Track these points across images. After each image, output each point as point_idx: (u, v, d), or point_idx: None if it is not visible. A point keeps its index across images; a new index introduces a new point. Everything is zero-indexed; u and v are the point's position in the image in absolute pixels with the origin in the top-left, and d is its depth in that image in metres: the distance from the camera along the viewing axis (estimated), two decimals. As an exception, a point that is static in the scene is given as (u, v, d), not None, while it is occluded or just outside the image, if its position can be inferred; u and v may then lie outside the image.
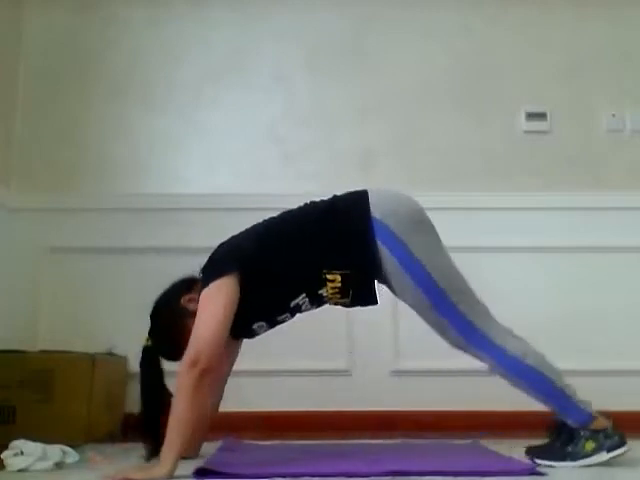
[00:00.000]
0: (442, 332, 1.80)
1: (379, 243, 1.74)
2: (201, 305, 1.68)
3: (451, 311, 1.76)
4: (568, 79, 2.99)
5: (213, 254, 1.81)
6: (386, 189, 1.86)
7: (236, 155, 2.92)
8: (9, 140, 2.85)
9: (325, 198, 1.88)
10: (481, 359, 1.79)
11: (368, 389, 2.65)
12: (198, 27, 3.02)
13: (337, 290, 1.78)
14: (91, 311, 2.73)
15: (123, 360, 2.58)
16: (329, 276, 1.75)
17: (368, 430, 2.52)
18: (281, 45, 3.01)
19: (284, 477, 1.50)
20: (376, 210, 1.76)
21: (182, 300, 1.80)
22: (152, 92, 2.96)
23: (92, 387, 2.26)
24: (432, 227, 1.83)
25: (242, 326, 1.77)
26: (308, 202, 1.90)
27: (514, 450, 1.89)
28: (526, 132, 2.96)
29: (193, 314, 1.72)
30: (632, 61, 3.01)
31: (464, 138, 2.94)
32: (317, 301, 1.83)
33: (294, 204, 2.77)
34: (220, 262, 1.76)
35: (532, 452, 1.78)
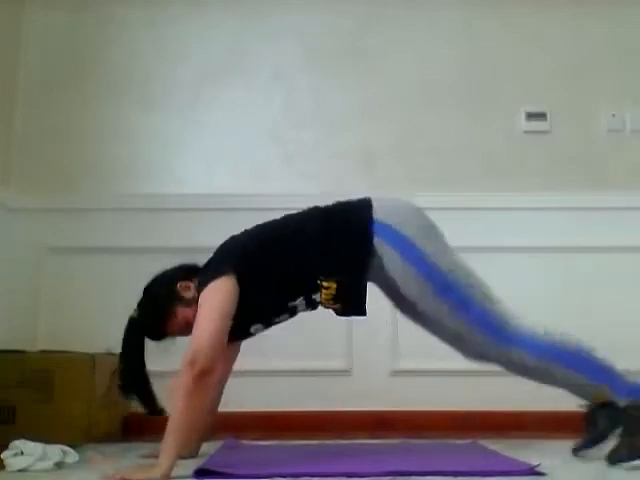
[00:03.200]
0: (460, 337, 1.77)
1: (385, 244, 1.73)
2: (201, 304, 1.67)
3: (474, 310, 1.73)
4: (568, 79, 2.99)
5: (215, 252, 1.81)
6: (389, 197, 1.85)
7: (236, 155, 2.92)
8: (9, 140, 2.85)
9: (328, 204, 1.87)
10: (508, 357, 1.75)
11: (368, 389, 2.65)
12: (197, 27, 3.02)
13: (331, 297, 1.77)
14: (91, 311, 2.73)
15: (123, 360, 2.58)
16: (324, 283, 1.75)
17: (368, 430, 2.52)
18: (281, 44, 3.01)
19: (284, 477, 1.50)
20: (378, 213, 1.76)
21: (179, 285, 1.79)
22: (151, 92, 2.96)
23: (92, 387, 2.26)
24: (437, 229, 1.82)
25: (239, 328, 1.76)
26: (311, 206, 1.88)
27: (514, 450, 1.89)
28: (526, 132, 2.96)
29: (185, 302, 1.76)
30: (632, 61, 3.01)
31: (464, 138, 2.94)
32: (312, 304, 1.83)
33: (294, 204, 2.76)
34: (218, 262, 1.76)
35: (614, 457, 1.70)
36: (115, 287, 2.75)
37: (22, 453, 1.69)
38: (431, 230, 1.81)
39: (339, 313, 1.86)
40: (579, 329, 2.70)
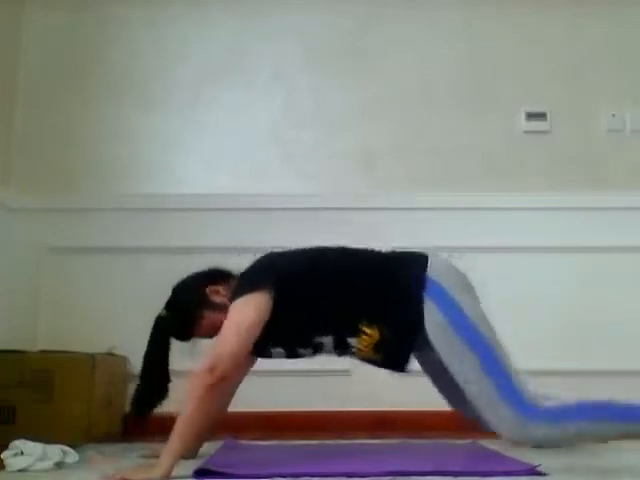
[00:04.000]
0: (488, 407, 1.62)
1: (432, 303, 1.65)
2: (230, 314, 1.65)
3: (505, 381, 1.61)
4: (568, 79, 2.99)
5: (255, 263, 1.77)
6: (441, 256, 1.79)
7: (236, 155, 2.92)
8: (9, 140, 2.85)
9: (383, 250, 1.81)
10: (547, 422, 1.57)
11: (368, 389, 2.64)
12: (197, 27, 3.02)
13: (372, 345, 1.69)
14: (91, 311, 2.73)
15: (123, 360, 2.58)
16: (367, 330, 1.68)
17: (368, 430, 2.52)
18: (281, 44, 3.01)
19: (284, 477, 1.50)
20: (432, 269, 1.69)
21: (208, 288, 1.79)
22: (151, 92, 2.96)
23: (92, 387, 2.26)
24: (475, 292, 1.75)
25: (259, 345, 1.70)
26: (368, 248, 1.81)
27: (514, 450, 1.89)
28: (526, 132, 2.96)
29: (213, 305, 1.75)
30: (632, 61, 3.01)
31: (464, 138, 2.94)
32: (341, 348, 1.74)
33: (294, 204, 2.80)
34: (258, 275, 1.72)
35: None
36: (115, 287, 2.75)
37: (22, 453, 1.69)
38: (472, 292, 1.74)
39: (377, 364, 1.76)
40: (579, 329, 2.72)
